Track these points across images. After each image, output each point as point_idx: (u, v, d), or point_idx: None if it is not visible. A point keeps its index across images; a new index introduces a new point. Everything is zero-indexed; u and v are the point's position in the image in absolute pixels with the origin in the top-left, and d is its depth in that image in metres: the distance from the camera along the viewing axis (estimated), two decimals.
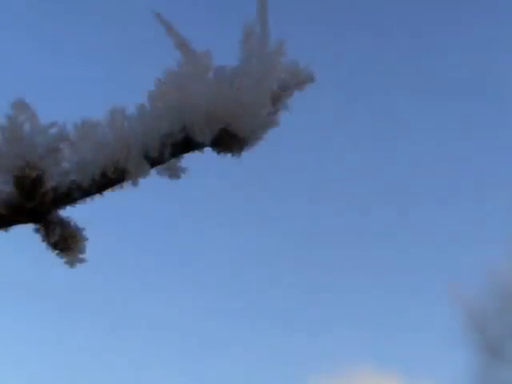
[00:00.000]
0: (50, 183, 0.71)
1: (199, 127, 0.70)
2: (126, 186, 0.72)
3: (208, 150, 0.72)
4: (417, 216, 8.25)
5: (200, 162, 0.74)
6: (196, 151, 0.72)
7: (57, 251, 0.74)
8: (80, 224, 0.74)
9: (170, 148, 0.71)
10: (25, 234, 0.73)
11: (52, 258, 0.74)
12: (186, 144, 0.71)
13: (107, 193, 0.72)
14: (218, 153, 0.72)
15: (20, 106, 0.70)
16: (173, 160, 0.72)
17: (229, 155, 0.72)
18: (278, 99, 0.72)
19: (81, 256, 0.74)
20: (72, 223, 0.74)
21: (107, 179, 0.71)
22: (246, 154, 0.71)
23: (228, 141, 0.71)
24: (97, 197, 0.72)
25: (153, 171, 0.72)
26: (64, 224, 0.73)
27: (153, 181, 0.72)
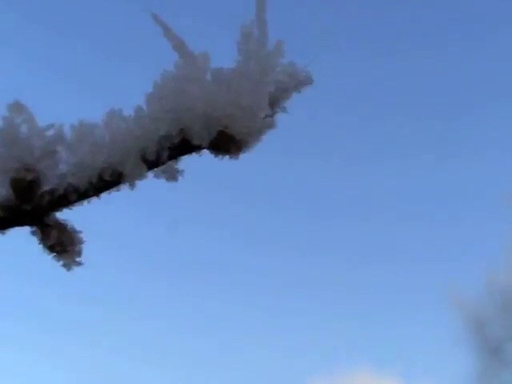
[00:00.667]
0: (46, 186, 0.71)
1: (197, 129, 0.69)
2: (123, 188, 0.72)
3: (206, 152, 0.72)
4: (417, 219, 8.24)
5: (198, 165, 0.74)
6: (194, 154, 0.72)
7: (53, 254, 0.73)
8: (77, 227, 0.74)
9: (167, 150, 0.70)
10: (21, 236, 0.73)
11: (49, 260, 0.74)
12: (184, 146, 0.71)
13: (104, 195, 0.72)
14: (216, 155, 0.71)
15: (17, 107, 0.70)
16: (170, 162, 0.72)
17: (226, 157, 0.71)
18: (276, 101, 0.72)
19: (77, 259, 0.73)
20: (69, 226, 0.73)
21: (104, 182, 0.71)
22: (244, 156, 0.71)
23: (226, 143, 0.70)
24: (94, 199, 0.72)
25: (150, 174, 0.72)
26: (61, 227, 0.73)
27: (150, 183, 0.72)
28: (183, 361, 7.55)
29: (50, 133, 0.70)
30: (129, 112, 0.71)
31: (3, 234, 0.72)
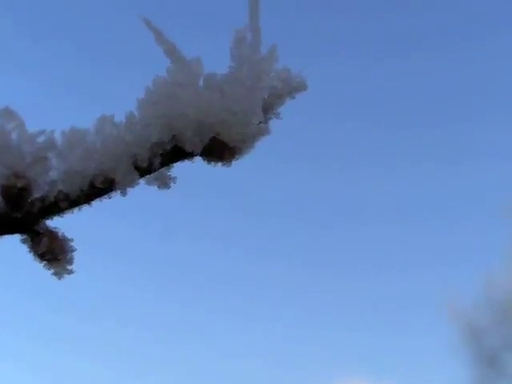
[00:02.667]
0: (37, 193, 0.70)
1: (189, 136, 0.68)
2: (115, 195, 0.71)
3: (198, 159, 0.71)
4: (414, 226, 8.24)
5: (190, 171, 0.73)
6: (186, 160, 0.71)
7: (44, 262, 0.72)
8: (68, 234, 0.73)
9: (159, 157, 0.70)
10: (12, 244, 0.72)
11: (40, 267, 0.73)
12: (176, 153, 0.70)
13: (95, 203, 0.71)
14: (209, 162, 0.71)
15: (7, 113, 0.69)
16: (162, 169, 0.71)
17: (219, 164, 0.71)
18: (269, 107, 0.71)
19: (68, 267, 0.72)
20: (60, 234, 0.72)
21: (95, 189, 0.70)
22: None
23: (218, 150, 0.69)
24: (85, 207, 0.71)
25: (142, 181, 0.71)
26: (52, 234, 0.72)
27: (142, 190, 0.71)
28: (179, 371, 7.52)
29: (41, 139, 0.69)
30: (120, 118, 0.70)
31: None
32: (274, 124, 0.71)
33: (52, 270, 0.72)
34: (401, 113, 8.43)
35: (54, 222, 0.72)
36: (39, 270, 0.72)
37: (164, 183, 0.71)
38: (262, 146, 0.70)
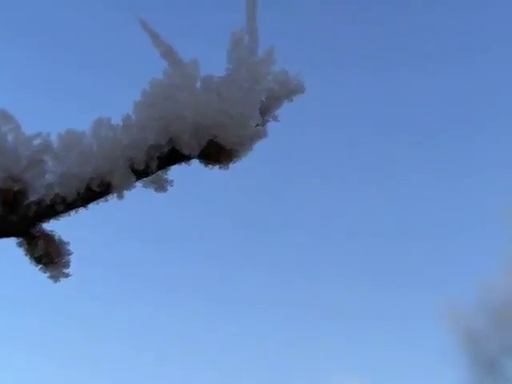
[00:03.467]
0: (33, 196, 0.70)
1: (186, 139, 0.68)
2: (111, 198, 0.70)
3: (195, 161, 0.71)
4: (413, 231, 8.25)
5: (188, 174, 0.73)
6: (183, 163, 0.71)
7: (40, 265, 0.72)
8: (64, 238, 0.72)
9: (156, 160, 0.69)
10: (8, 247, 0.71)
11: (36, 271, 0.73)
12: (173, 156, 0.70)
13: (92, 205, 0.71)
14: (206, 165, 0.70)
15: (3, 116, 0.69)
16: (159, 172, 0.70)
17: (216, 167, 0.70)
18: (267, 110, 0.71)
19: (65, 271, 0.72)
20: (56, 237, 0.72)
21: (92, 192, 0.70)
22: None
23: (215, 153, 0.69)
24: (81, 210, 0.71)
25: (139, 184, 0.70)
26: (48, 238, 0.71)
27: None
28: (177, 378, 7.51)
29: (37, 142, 0.69)
30: (117, 120, 0.70)
31: None
32: (271, 127, 0.71)
33: (48, 274, 0.72)
34: (400, 121, 8.43)
35: (51, 225, 0.71)
36: (36, 273, 0.72)
37: (161, 186, 0.71)
38: (259, 148, 0.70)
